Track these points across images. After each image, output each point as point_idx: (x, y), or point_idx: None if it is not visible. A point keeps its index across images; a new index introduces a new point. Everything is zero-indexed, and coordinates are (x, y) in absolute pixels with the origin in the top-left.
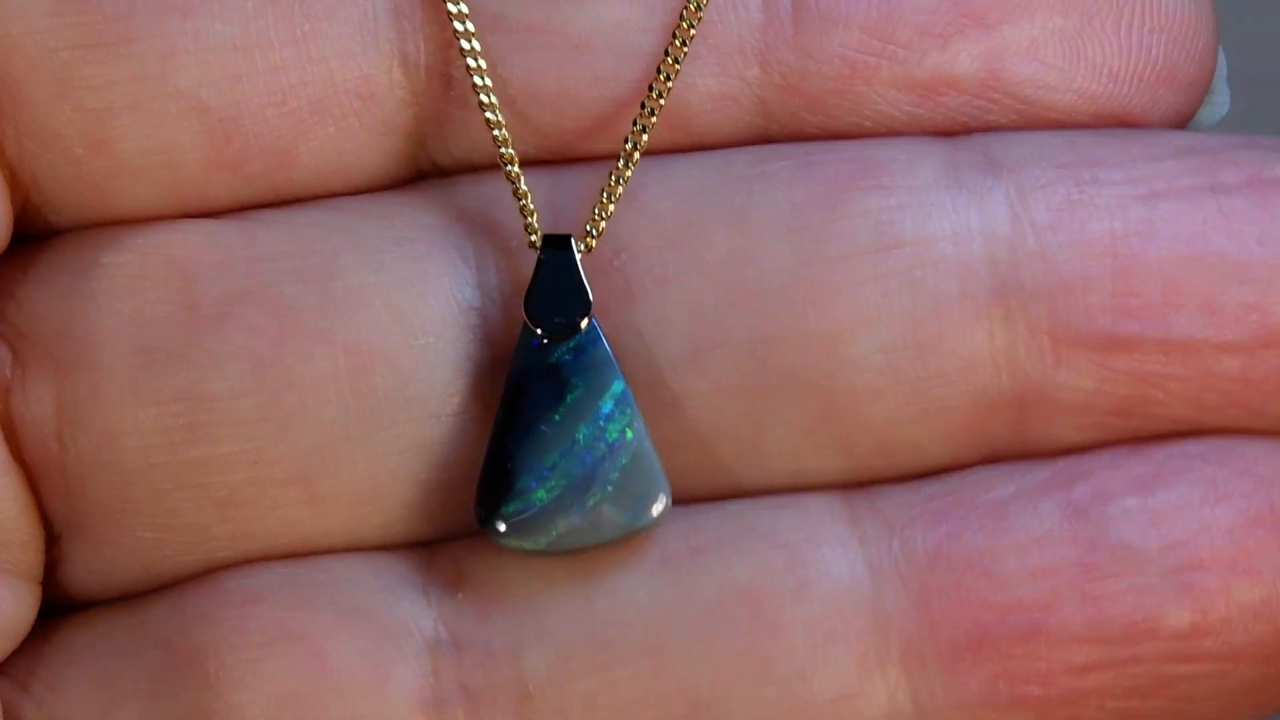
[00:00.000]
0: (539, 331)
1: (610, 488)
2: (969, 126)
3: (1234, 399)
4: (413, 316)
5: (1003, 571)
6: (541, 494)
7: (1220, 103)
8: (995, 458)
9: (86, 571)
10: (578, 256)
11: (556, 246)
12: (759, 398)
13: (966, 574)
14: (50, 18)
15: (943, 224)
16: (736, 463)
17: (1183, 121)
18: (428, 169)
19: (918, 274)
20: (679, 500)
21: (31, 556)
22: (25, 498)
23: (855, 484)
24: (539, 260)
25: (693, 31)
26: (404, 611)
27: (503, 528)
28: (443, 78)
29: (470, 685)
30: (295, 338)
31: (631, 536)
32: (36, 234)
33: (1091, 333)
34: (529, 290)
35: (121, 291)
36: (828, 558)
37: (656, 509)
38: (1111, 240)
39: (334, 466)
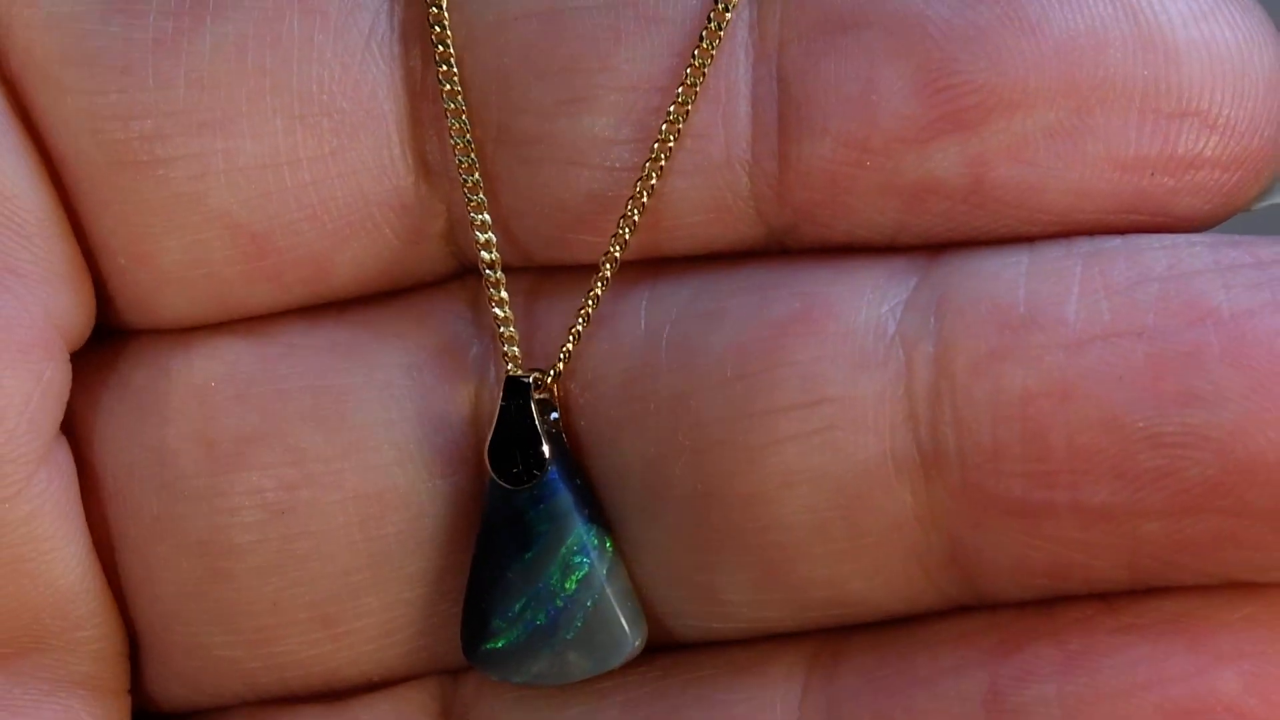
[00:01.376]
0: (498, 479)
1: (573, 635)
2: (963, 235)
3: (1167, 562)
4: (421, 456)
5: None
6: (513, 634)
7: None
8: (956, 604)
9: (146, 691)
10: (534, 406)
11: (515, 394)
12: (708, 551)
13: None
14: (91, 134)
15: (868, 380)
16: (700, 609)
17: (1234, 206)
18: (471, 266)
19: (839, 433)
20: (656, 643)
21: (120, 669)
22: (113, 608)
23: (821, 633)
24: (500, 408)
25: (670, 144)
26: None
27: (483, 661)
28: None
29: None
30: (308, 484)
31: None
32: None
33: (1006, 499)
34: (491, 438)
35: (149, 419)
36: None
37: (622, 655)
38: (1023, 400)
39: (352, 606)
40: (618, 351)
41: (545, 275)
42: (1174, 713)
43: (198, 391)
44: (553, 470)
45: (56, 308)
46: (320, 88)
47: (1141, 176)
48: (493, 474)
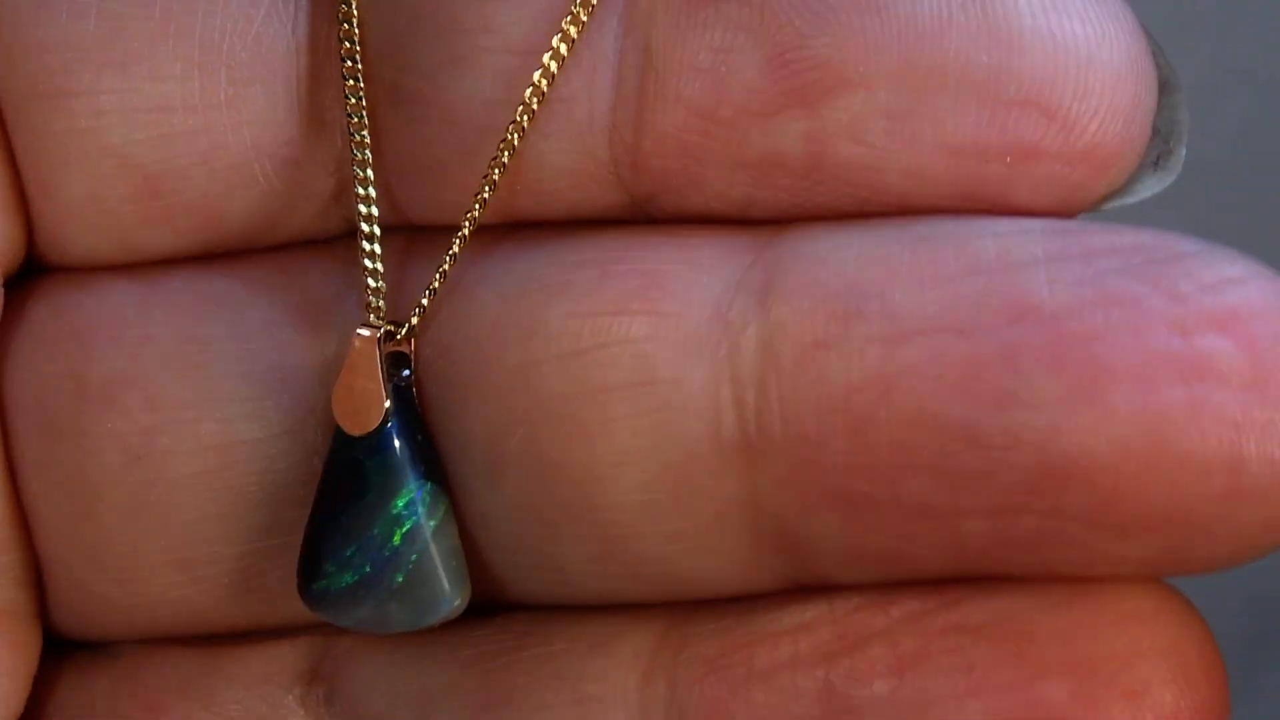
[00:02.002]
0: (341, 427)
1: (395, 587)
2: (806, 210)
3: (991, 558)
4: (272, 410)
5: None
6: (345, 578)
7: (1150, 181)
8: (795, 584)
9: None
10: (378, 358)
11: (364, 343)
12: (548, 523)
13: None
14: (6, 65)
15: (696, 362)
16: (545, 577)
17: (1084, 198)
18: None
19: (666, 415)
20: (499, 604)
21: (31, 594)
22: (19, 537)
23: (674, 608)
24: (349, 357)
25: (535, 105)
26: None
27: (314, 601)
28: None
29: None
30: (165, 431)
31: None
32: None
33: (829, 490)
34: (336, 385)
35: (37, 356)
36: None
37: (439, 613)
38: (847, 393)
39: (205, 553)
40: (469, 316)
41: (417, 235)
42: None
43: (77, 331)
44: (392, 424)
45: None
46: (220, 37)
47: (977, 164)
48: (336, 420)
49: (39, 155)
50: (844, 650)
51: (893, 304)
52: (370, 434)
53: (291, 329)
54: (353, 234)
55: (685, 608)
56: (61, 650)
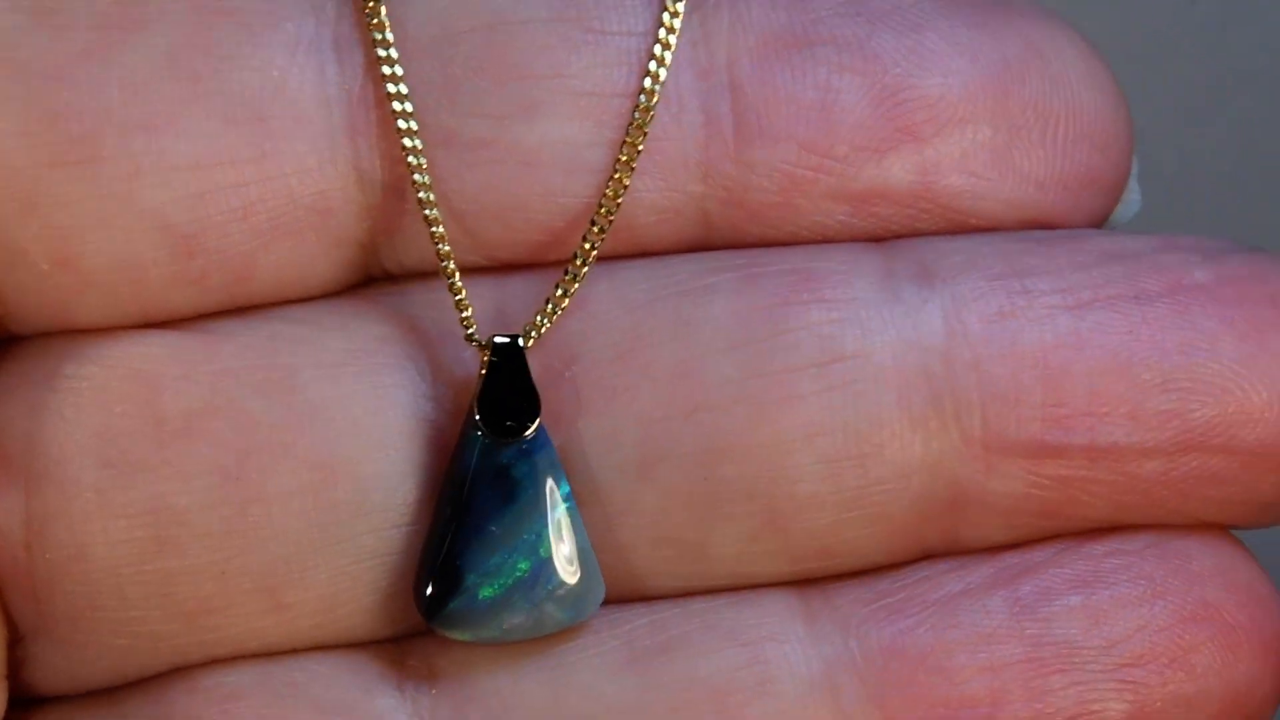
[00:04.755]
0: (489, 434)
1: (553, 588)
2: (899, 234)
3: (1153, 500)
4: (372, 430)
5: (954, 667)
6: (488, 591)
7: (1133, 201)
8: (928, 556)
9: (54, 671)
10: (527, 363)
11: (506, 351)
12: (706, 506)
13: (920, 670)
14: (18, 137)
15: (881, 337)
16: (683, 567)
17: (1100, 221)
18: (379, 275)
19: (858, 387)
20: (630, 599)
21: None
22: None
23: (803, 582)
24: (490, 364)
25: (639, 147)
26: (381, 707)
27: (448, 621)
28: (396, 191)
29: None
30: (259, 452)
31: (571, 630)
32: None
33: (1022, 441)
34: (480, 393)
35: (87, 405)
36: (788, 655)
37: (595, 605)
38: (1042, 351)
39: (298, 576)
40: (604, 324)
41: (497, 270)
42: (1192, 617)
43: (138, 374)
44: (541, 424)
45: None
46: (250, 92)
47: (1054, 193)
48: (483, 428)
49: (61, 226)
50: (1021, 575)
51: (1063, 280)
52: (521, 439)
53: (378, 357)
54: (374, 283)
55: (812, 581)
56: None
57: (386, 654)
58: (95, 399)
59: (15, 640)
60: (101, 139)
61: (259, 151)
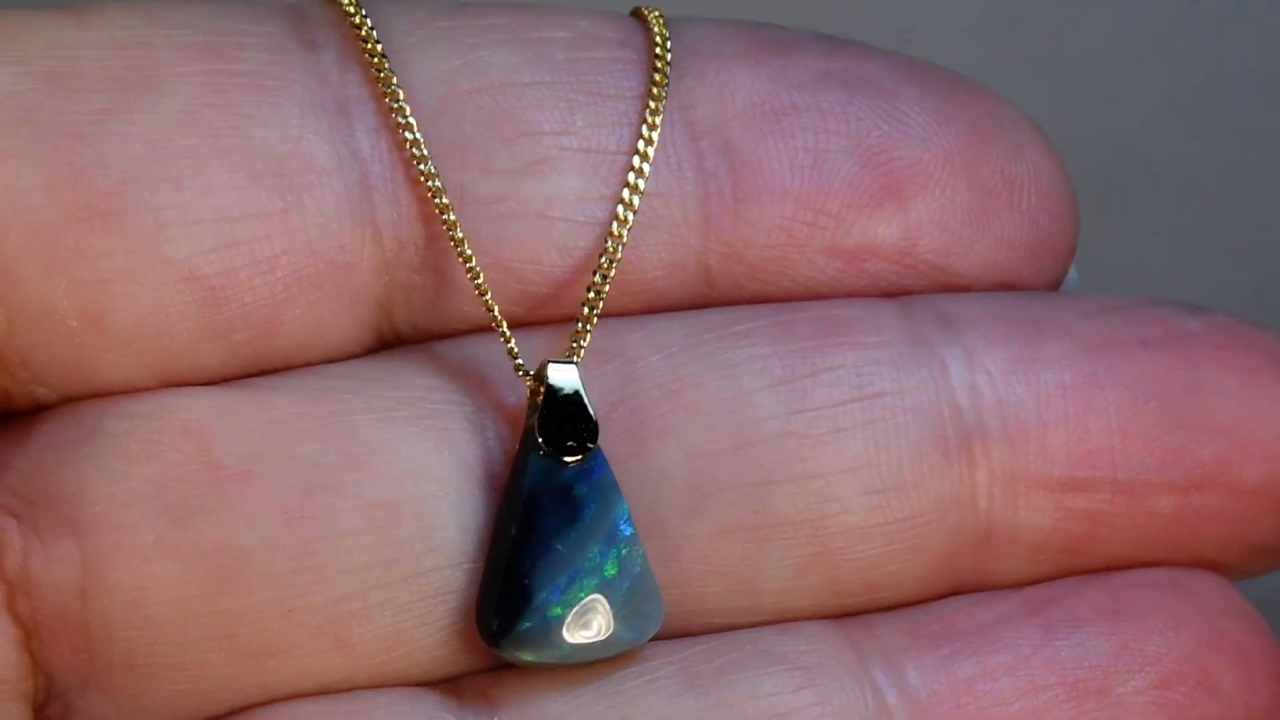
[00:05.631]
0: (551, 453)
1: (620, 604)
2: (888, 291)
3: (1168, 536)
4: (432, 469)
5: (998, 690)
6: (557, 610)
7: (1073, 279)
8: (959, 590)
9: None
10: (583, 383)
11: (564, 376)
12: (757, 540)
13: (967, 695)
14: (44, 193)
15: (913, 377)
16: (732, 601)
17: (1053, 289)
18: (390, 339)
19: (897, 421)
20: (679, 633)
21: (19, 708)
22: (18, 656)
23: (840, 615)
24: (548, 387)
25: (636, 200)
26: None
27: (517, 641)
28: (414, 248)
29: None
30: (321, 492)
31: (632, 650)
32: (20, 410)
33: (1050, 475)
34: (541, 415)
35: (138, 456)
36: (841, 679)
37: (657, 625)
38: (1062, 390)
39: (363, 614)
40: (645, 368)
41: (518, 327)
42: (1214, 645)
43: (186, 427)
44: (600, 445)
45: None
46: (269, 149)
47: (1021, 257)
48: (545, 449)
49: (89, 281)
50: (1048, 604)
51: (1072, 328)
52: (583, 458)
53: (427, 403)
54: (385, 347)
55: (850, 616)
56: None
57: (441, 688)
58: (146, 450)
59: (55, 696)
60: (127, 193)
61: (282, 204)
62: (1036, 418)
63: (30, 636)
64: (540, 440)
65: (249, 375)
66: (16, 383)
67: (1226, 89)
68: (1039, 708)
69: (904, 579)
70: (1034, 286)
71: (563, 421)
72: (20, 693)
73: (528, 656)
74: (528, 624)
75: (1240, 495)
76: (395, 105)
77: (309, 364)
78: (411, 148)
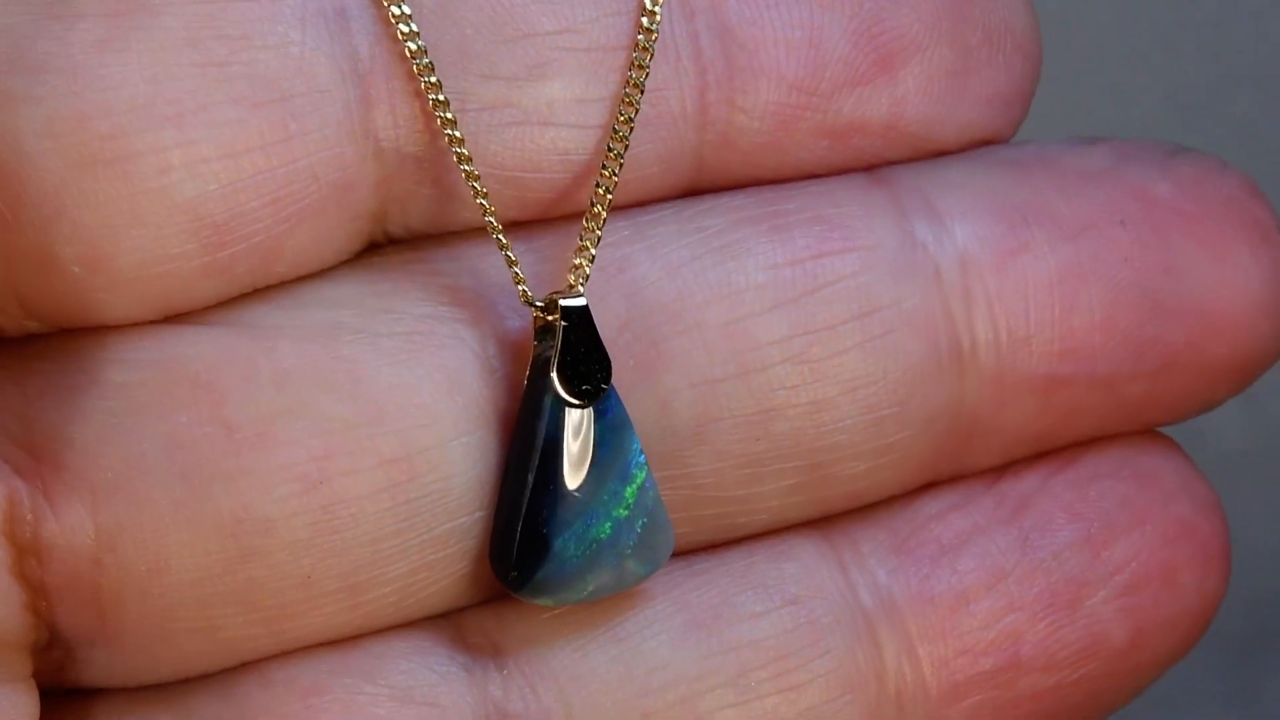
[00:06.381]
0: (569, 399)
1: (635, 542)
2: (872, 164)
3: (1131, 416)
4: (445, 417)
5: (979, 611)
6: (575, 554)
7: None
8: (935, 480)
9: (109, 670)
10: (595, 323)
11: (576, 314)
12: (756, 463)
13: (949, 616)
14: (45, 139)
15: (909, 284)
16: (729, 521)
17: (1015, 131)
18: (381, 242)
19: (894, 336)
20: (675, 554)
21: (19, 658)
22: (23, 616)
23: (824, 520)
24: (563, 330)
25: (634, 101)
26: (458, 692)
27: (537, 588)
28: (414, 160)
29: None
30: (339, 454)
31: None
32: (8, 336)
33: (1034, 375)
34: (558, 359)
35: (149, 413)
36: (833, 611)
37: (667, 554)
38: (1050, 285)
39: (378, 574)
40: (651, 289)
41: (519, 232)
42: (1174, 538)
43: (195, 380)
44: (612, 385)
45: None
46: (270, 72)
47: (999, 110)
48: (564, 393)
49: (92, 227)
50: (1020, 511)
51: (1056, 211)
52: (598, 399)
53: (434, 337)
54: (366, 252)
55: (831, 519)
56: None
57: (448, 632)
58: (157, 407)
59: (58, 646)
60: (131, 135)
61: (285, 134)
62: (1025, 317)
63: (38, 598)
64: (559, 387)
65: (245, 296)
66: (8, 318)
67: (1226, 87)
68: (1018, 625)
69: (888, 484)
70: (1005, 137)
71: (577, 364)
72: (22, 646)
73: (545, 601)
74: (546, 570)
75: (1204, 372)
76: (397, 14)
77: (301, 279)
78: (413, 58)
